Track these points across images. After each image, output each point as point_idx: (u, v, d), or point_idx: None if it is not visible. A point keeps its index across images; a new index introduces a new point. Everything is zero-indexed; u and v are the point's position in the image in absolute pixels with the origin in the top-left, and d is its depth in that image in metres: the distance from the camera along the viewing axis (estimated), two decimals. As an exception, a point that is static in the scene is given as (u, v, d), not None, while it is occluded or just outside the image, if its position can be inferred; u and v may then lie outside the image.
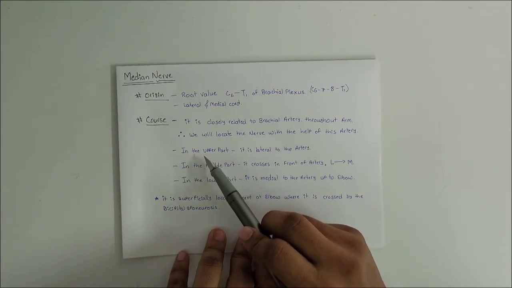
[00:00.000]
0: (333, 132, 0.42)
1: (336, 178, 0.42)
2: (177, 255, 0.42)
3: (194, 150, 0.42)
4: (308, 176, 0.42)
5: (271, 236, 0.37)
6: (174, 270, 0.41)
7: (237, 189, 0.39)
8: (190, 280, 0.41)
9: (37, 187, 0.42)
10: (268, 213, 0.37)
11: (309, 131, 0.42)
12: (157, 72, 0.42)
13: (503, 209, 0.43)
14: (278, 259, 0.33)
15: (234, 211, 0.38)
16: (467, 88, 0.43)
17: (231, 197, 0.39)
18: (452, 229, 0.43)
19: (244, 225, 0.38)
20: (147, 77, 0.42)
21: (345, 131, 0.42)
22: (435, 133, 0.43)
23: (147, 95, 0.42)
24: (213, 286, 0.37)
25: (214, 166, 0.40)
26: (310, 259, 0.33)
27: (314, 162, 0.42)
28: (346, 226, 0.37)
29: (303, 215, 0.36)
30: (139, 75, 0.42)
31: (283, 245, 0.33)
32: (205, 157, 0.41)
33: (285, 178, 0.42)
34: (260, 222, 0.38)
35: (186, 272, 0.41)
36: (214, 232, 0.42)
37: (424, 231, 0.43)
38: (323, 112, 0.42)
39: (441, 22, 0.43)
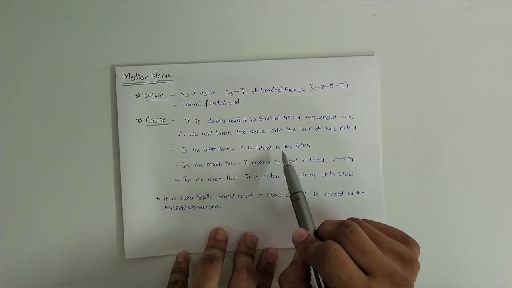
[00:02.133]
0: (333, 129, 0.42)
1: (337, 175, 0.42)
2: (177, 256, 0.42)
3: (194, 150, 0.42)
4: (309, 174, 0.42)
5: None
6: (174, 271, 0.41)
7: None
8: (191, 280, 0.41)
9: (37, 187, 0.42)
10: (323, 222, 0.35)
11: (309, 128, 0.42)
12: (156, 72, 0.42)
13: (503, 208, 0.43)
14: (329, 259, 0.31)
15: (295, 210, 0.37)
16: (467, 88, 0.43)
17: (295, 196, 0.38)
18: (453, 225, 0.43)
19: (300, 226, 0.36)
20: (147, 77, 0.42)
21: (345, 128, 0.42)
22: (435, 129, 0.43)
23: (146, 95, 0.42)
24: (213, 285, 0.37)
25: (288, 163, 0.40)
26: (361, 268, 0.31)
27: (314, 160, 0.42)
28: (403, 234, 0.35)
29: (360, 220, 0.34)
30: (138, 75, 0.42)
31: (336, 246, 0.31)
32: (283, 153, 0.41)
33: (286, 176, 0.42)
34: (316, 229, 0.36)
35: (186, 273, 0.41)
36: (215, 232, 0.41)
37: (425, 228, 0.43)
38: (323, 110, 0.42)
39: (441, 22, 0.43)
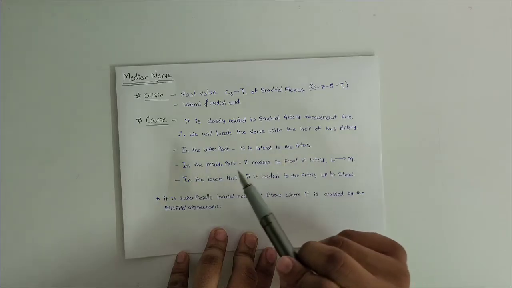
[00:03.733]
0: (333, 129, 0.42)
1: (337, 175, 0.42)
2: (177, 256, 0.42)
3: (194, 150, 0.42)
4: (309, 174, 0.42)
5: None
6: (173, 272, 0.41)
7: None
8: (192, 280, 0.41)
9: (37, 187, 0.42)
10: (305, 245, 0.34)
11: (309, 128, 0.42)
12: (156, 72, 0.42)
13: (503, 208, 0.43)
14: None
15: (268, 235, 0.35)
16: (467, 87, 0.43)
17: (266, 220, 0.35)
18: (453, 225, 0.43)
19: (277, 251, 0.35)
20: (146, 77, 0.42)
21: (345, 128, 0.42)
22: (435, 128, 0.43)
23: (146, 95, 0.42)
24: (212, 285, 0.37)
25: (248, 183, 0.36)
26: None
27: (314, 160, 0.42)
28: (389, 242, 0.35)
29: (346, 241, 0.34)
30: (138, 75, 0.42)
31: (333, 286, 0.31)
32: (238, 172, 0.38)
33: (286, 176, 0.42)
34: (296, 251, 0.35)
35: (185, 274, 0.41)
36: (215, 232, 0.42)
37: (425, 228, 0.43)
38: (323, 109, 0.42)
39: (441, 22, 0.43)
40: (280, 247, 0.35)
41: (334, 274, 0.31)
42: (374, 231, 0.36)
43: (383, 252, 0.34)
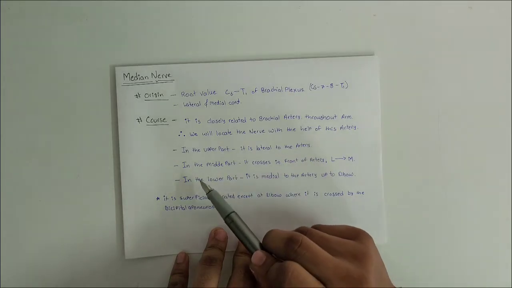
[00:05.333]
0: (333, 129, 0.42)
1: (337, 175, 0.42)
2: (176, 257, 0.42)
3: (194, 150, 0.42)
4: (309, 174, 0.42)
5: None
6: (173, 272, 0.41)
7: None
8: (191, 281, 0.41)
9: (37, 187, 0.42)
10: (268, 233, 0.36)
11: (309, 128, 0.42)
12: (156, 72, 0.42)
13: (503, 208, 0.43)
14: (290, 282, 0.32)
15: (234, 232, 0.38)
16: (467, 88, 0.43)
17: (229, 218, 0.38)
18: (452, 225, 0.43)
19: (245, 245, 0.37)
20: (146, 77, 0.42)
21: (345, 128, 0.42)
22: (435, 128, 0.43)
23: (146, 95, 0.42)
24: (212, 285, 0.37)
25: (210, 189, 0.39)
26: (319, 279, 0.32)
27: (314, 160, 0.42)
28: (353, 229, 0.36)
29: (309, 228, 0.35)
30: (138, 75, 0.42)
31: (294, 267, 0.32)
32: (200, 181, 0.40)
33: (286, 176, 0.42)
34: (261, 242, 0.37)
35: (185, 274, 0.41)
36: (215, 231, 0.42)
37: (425, 228, 0.43)
38: (323, 109, 0.42)
39: (441, 22, 0.43)
40: (246, 240, 0.37)
41: (293, 255, 0.33)
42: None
43: (348, 239, 0.35)
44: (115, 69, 0.42)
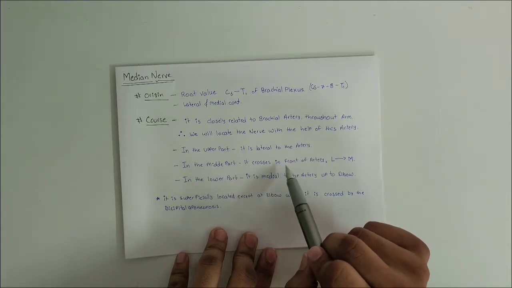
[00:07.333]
0: (333, 129, 0.42)
1: (337, 175, 0.42)
2: (176, 257, 0.42)
3: (194, 150, 0.42)
4: (309, 174, 0.42)
5: None
6: (173, 272, 0.41)
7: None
8: (192, 281, 0.41)
9: (37, 187, 0.42)
10: (328, 236, 0.35)
11: (309, 128, 0.42)
12: (156, 72, 0.42)
13: (503, 208, 0.43)
14: (337, 281, 0.30)
15: (300, 223, 0.37)
16: (467, 87, 0.43)
17: (300, 207, 0.37)
18: (453, 225, 0.43)
19: (306, 239, 0.36)
20: (146, 77, 0.42)
21: (345, 128, 0.42)
22: (435, 128, 0.43)
23: (146, 95, 0.42)
24: (212, 285, 0.37)
25: (292, 176, 0.40)
26: (370, 285, 0.31)
27: (314, 160, 0.42)
28: (413, 238, 0.34)
29: (364, 230, 0.34)
30: (138, 75, 0.42)
31: (343, 266, 0.31)
32: (286, 166, 0.41)
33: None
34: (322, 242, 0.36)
35: (185, 274, 0.41)
36: (215, 231, 0.42)
37: (425, 228, 0.42)
38: (323, 109, 0.42)
39: (441, 22, 0.43)
40: (308, 234, 0.36)
41: (345, 256, 0.32)
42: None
43: (405, 247, 0.33)
44: (115, 69, 0.42)
